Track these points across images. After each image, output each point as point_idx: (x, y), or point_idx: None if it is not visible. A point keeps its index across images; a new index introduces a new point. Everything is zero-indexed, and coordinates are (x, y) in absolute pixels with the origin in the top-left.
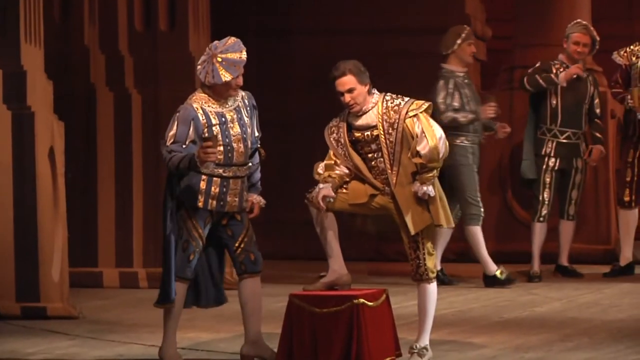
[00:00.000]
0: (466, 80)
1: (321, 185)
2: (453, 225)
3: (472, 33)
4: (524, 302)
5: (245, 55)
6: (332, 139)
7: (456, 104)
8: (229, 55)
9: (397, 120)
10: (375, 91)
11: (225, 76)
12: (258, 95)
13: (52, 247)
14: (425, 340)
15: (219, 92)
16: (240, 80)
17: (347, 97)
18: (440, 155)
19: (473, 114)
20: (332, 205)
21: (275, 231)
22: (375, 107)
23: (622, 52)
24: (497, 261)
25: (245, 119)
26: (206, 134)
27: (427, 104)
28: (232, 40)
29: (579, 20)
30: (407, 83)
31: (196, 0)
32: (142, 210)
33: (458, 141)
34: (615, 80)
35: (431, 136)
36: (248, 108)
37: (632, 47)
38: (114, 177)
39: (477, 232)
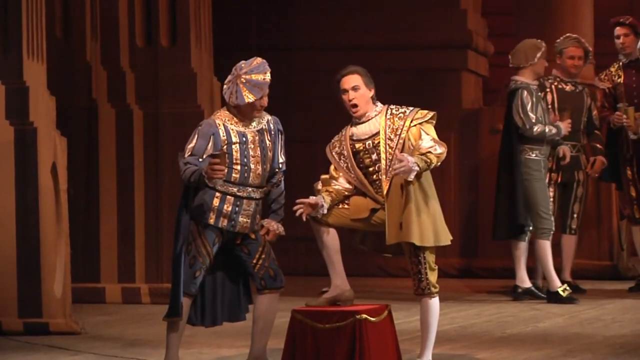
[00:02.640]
0: (539, 93)
1: (312, 198)
2: (426, 243)
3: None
4: (527, 317)
5: (270, 77)
6: (334, 153)
7: (539, 116)
8: (253, 76)
9: (401, 127)
10: (379, 103)
11: (249, 97)
12: None
13: (55, 263)
14: (428, 356)
15: (244, 112)
16: (265, 101)
17: (351, 95)
18: (437, 163)
19: (555, 129)
20: (334, 221)
21: (277, 247)
22: (378, 115)
23: (602, 76)
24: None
25: (267, 142)
26: (225, 151)
27: (431, 113)
28: (257, 61)
29: (568, 34)
30: (409, 99)
31: (197, 16)
32: (144, 225)
33: (533, 155)
34: (602, 104)
35: (440, 144)
36: (272, 132)
37: (610, 69)
38: (116, 193)
39: (546, 247)
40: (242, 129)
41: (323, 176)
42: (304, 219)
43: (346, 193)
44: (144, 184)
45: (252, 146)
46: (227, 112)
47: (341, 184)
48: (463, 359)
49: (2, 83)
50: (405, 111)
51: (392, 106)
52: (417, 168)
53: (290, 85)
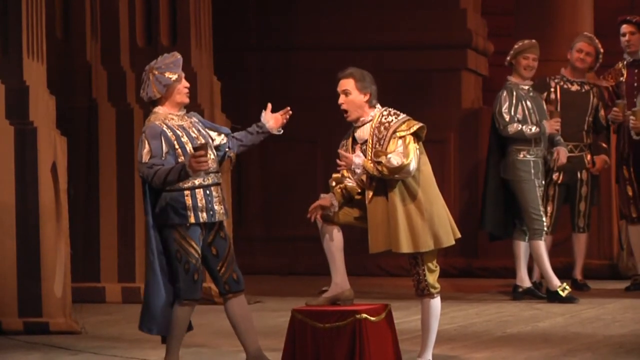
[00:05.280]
0: (531, 94)
1: (322, 196)
2: (422, 249)
3: (530, 46)
4: (527, 317)
5: (179, 54)
6: (342, 151)
7: (519, 115)
8: (165, 61)
9: (384, 137)
10: (378, 106)
11: (171, 76)
12: (259, 111)
13: (55, 263)
14: (428, 355)
15: (172, 101)
16: (186, 82)
17: (341, 99)
18: (390, 175)
19: (537, 128)
20: (338, 219)
21: (277, 247)
22: (370, 122)
23: (607, 75)
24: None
25: (202, 131)
26: (177, 147)
27: (417, 126)
28: (162, 55)
29: (585, 32)
30: (409, 99)
31: (198, 15)
32: (144, 225)
33: (520, 156)
34: (606, 104)
35: (405, 156)
36: (199, 123)
37: (616, 67)
38: (116, 193)
39: (540, 247)
40: (180, 122)
41: (335, 174)
42: (320, 221)
43: (359, 190)
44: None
45: (195, 135)
46: (158, 114)
47: (353, 181)
48: (463, 359)
49: (2, 83)
50: (392, 120)
51: (384, 112)
52: (358, 171)
53: (290, 85)
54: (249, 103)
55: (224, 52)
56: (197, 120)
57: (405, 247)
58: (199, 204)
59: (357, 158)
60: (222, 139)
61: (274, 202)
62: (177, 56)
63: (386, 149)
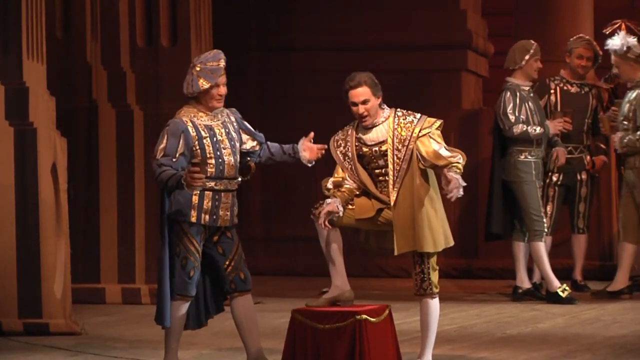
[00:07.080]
0: (531, 94)
1: (328, 201)
2: (440, 248)
3: (539, 49)
4: (527, 318)
5: (224, 64)
6: (338, 152)
7: (523, 116)
8: (207, 64)
9: (408, 138)
10: (385, 106)
11: (204, 84)
12: (259, 111)
13: (55, 263)
14: (428, 356)
15: (204, 104)
16: (222, 90)
17: (361, 109)
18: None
19: (542, 128)
20: (339, 221)
21: (277, 248)
22: (386, 122)
23: (608, 78)
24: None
25: (233, 133)
26: (197, 148)
27: (439, 122)
28: (212, 52)
29: (581, 35)
30: (408, 99)
31: (198, 16)
32: (145, 226)
33: (522, 157)
34: (606, 105)
35: (455, 151)
36: (235, 123)
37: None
38: (116, 193)
39: (540, 248)
40: (208, 122)
41: (333, 179)
42: (329, 228)
43: (357, 192)
44: (144, 184)
45: (221, 138)
46: (190, 109)
47: (351, 183)
48: None
49: (2, 83)
50: (412, 120)
51: (398, 112)
52: (464, 183)
53: (290, 86)
54: (248, 103)
55: (224, 52)
56: (233, 120)
57: (431, 246)
58: (205, 207)
59: (456, 175)
60: (254, 145)
61: (274, 202)
62: (221, 64)
63: (415, 148)
